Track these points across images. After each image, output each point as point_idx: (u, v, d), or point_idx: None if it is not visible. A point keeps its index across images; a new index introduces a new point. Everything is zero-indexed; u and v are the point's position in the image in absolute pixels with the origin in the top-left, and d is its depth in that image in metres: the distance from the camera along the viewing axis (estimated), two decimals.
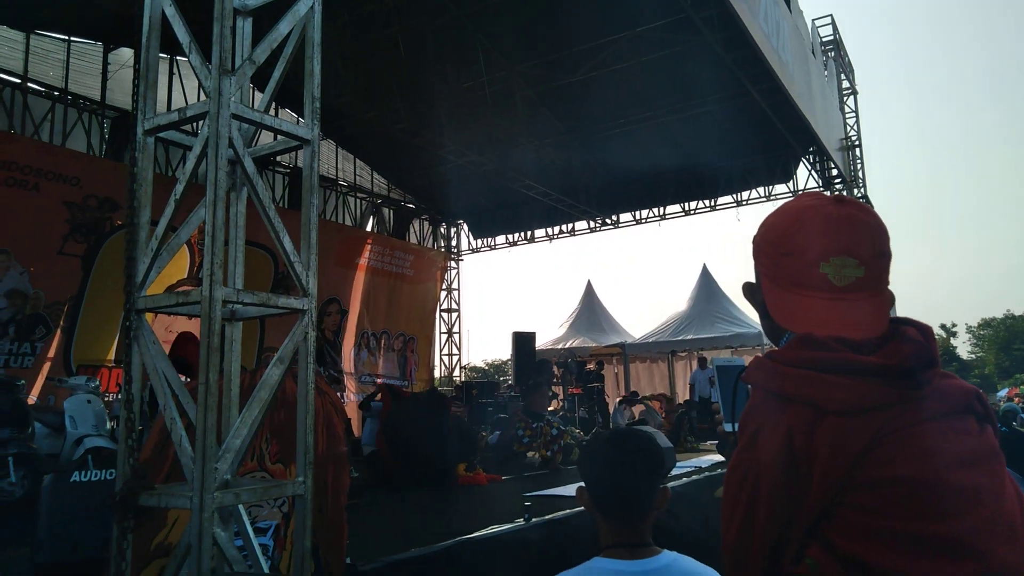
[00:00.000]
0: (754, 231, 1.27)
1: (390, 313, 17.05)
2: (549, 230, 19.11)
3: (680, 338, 17.65)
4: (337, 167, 16.47)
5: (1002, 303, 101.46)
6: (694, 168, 16.44)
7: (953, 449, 1.04)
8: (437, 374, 19.77)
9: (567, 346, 19.05)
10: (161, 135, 2.51)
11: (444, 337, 19.86)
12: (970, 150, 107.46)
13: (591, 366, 16.40)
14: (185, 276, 11.78)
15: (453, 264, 20.13)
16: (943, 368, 1.11)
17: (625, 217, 18.38)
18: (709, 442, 12.27)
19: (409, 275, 17.68)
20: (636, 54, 12.24)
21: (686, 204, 17.56)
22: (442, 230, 20.08)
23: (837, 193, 1.14)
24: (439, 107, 12.51)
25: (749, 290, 1.27)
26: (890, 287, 1.18)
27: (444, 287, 19.74)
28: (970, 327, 67.29)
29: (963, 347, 67.93)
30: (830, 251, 1.12)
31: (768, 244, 1.20)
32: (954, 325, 68.01)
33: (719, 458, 9.13)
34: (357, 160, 16.92)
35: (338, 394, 11.17)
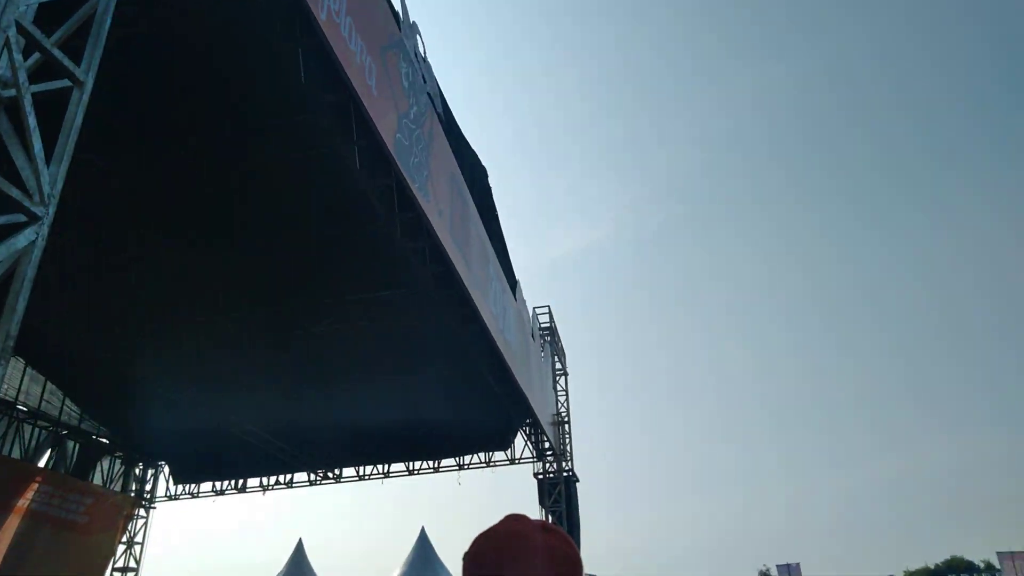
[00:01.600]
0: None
1: (44, 571, 13.89)
2: (264, 480, 17.71)
3: None
4: (20, 388, 14.13)
5: (685, 574, 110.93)
6: (421, 430, 16.75)
7: None
8: None
9: None
10: None
11: None
12: (647, 430, 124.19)
13: None
14: None
15: (143, 512, 17.44)
16: None
17: (348, 472, 17.79)
18: None
19: (82, 523, 14.87)
20: (377, 315, 12.79)
21: (410, 464, 17.58)
22: (137, 472, 17.60)
23: (543, 520, 1.23)
24: (161, 341, 11.68)
25: None
26: None
27: (125, 540, 16.82)
28: None
29: None
30: None
31: (479, 567, 1.23)
32: None
33: None
34: (48, 383, 14.74)
35: None
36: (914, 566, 56.98)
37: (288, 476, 17.59)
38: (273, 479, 17.64)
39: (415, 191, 7.99)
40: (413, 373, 14.69)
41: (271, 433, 14.93)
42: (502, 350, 12.33)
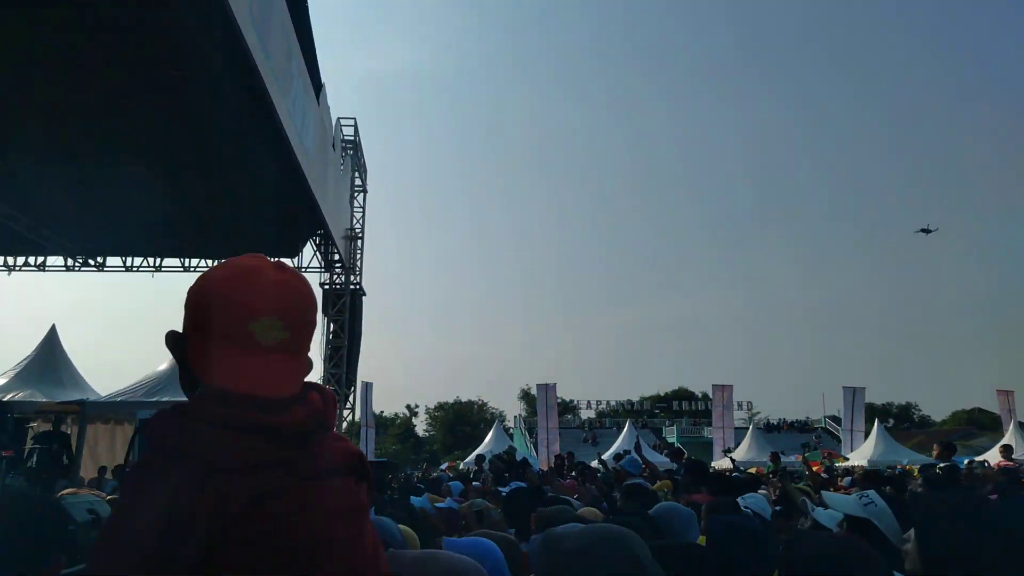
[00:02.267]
0: None
1: None
2: (10, 260, 15.93)
3: (154, 399, 16.23)
4: None
5: (455, 389, 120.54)
6: (203, 226, 15.79)
7: (325, 506, 1.14)
8: None
9: (7, 399, 15.72)
10: None
11: None
12: (439, 251, 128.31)
13: (35, 424, 13.90)
14: None
15: None
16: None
17: (114, 261, 16.51)
18: None
19: None
20: (157, 97, 11.37)
21: (187, 260, 16.70)
22: None
23: (279, 260, 1.26)
24: None
25: (173, 339, 1.23)
26: (310, 354, 1.30)
27: None
28: (428, 408, 77.59)
29: (421, 426, 78.03)
30: (262, 312, 1.17)
31: (204, 295, 1.21)
32: (417, 406, 77.68)
33: None
34: None
35: None
36: (648, 393, 66.92)
37: (40, 259, 15.96)
38: (21, 260, 15.92)
39: None
40: (194, 166, 13.54)
41: (21, 210, 13.24)
42: (297, 153, 11.68)
